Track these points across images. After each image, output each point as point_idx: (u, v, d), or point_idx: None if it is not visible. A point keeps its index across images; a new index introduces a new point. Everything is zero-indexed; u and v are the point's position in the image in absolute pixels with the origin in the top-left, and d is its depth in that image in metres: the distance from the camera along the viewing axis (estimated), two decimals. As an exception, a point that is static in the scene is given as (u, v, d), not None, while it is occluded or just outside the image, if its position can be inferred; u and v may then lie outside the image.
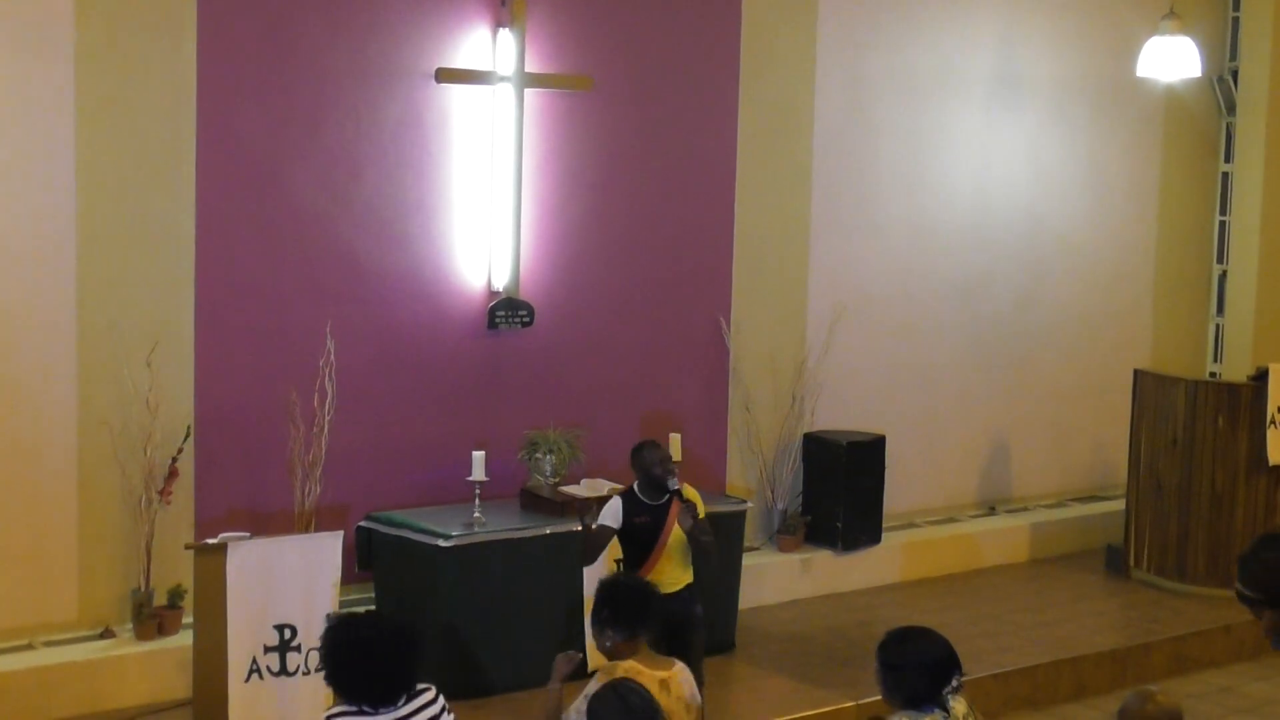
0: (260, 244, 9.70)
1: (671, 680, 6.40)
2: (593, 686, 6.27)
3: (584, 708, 6.05)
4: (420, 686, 5.78)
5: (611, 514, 8.58)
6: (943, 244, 12.69)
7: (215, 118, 9.47)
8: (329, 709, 5.74)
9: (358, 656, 5.67)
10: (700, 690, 6.83)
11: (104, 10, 9.10)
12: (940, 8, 12.48)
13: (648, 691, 5.72)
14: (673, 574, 8.50)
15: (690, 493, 8.60)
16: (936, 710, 5.60)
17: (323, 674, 5.78)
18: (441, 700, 5.84)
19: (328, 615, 6.26)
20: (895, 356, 12.49)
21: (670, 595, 8.23)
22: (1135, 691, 5.41)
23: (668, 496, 8.50)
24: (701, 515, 8.52)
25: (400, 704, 5.70)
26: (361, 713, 5.65)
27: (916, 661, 5.60)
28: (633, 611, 6.53)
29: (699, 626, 8.55)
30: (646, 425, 10.92)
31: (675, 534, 8.49)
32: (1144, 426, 12.28)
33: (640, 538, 8.50)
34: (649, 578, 8.27)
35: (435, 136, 10.21)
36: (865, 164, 12.22)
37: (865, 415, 12.15)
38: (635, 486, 8.61)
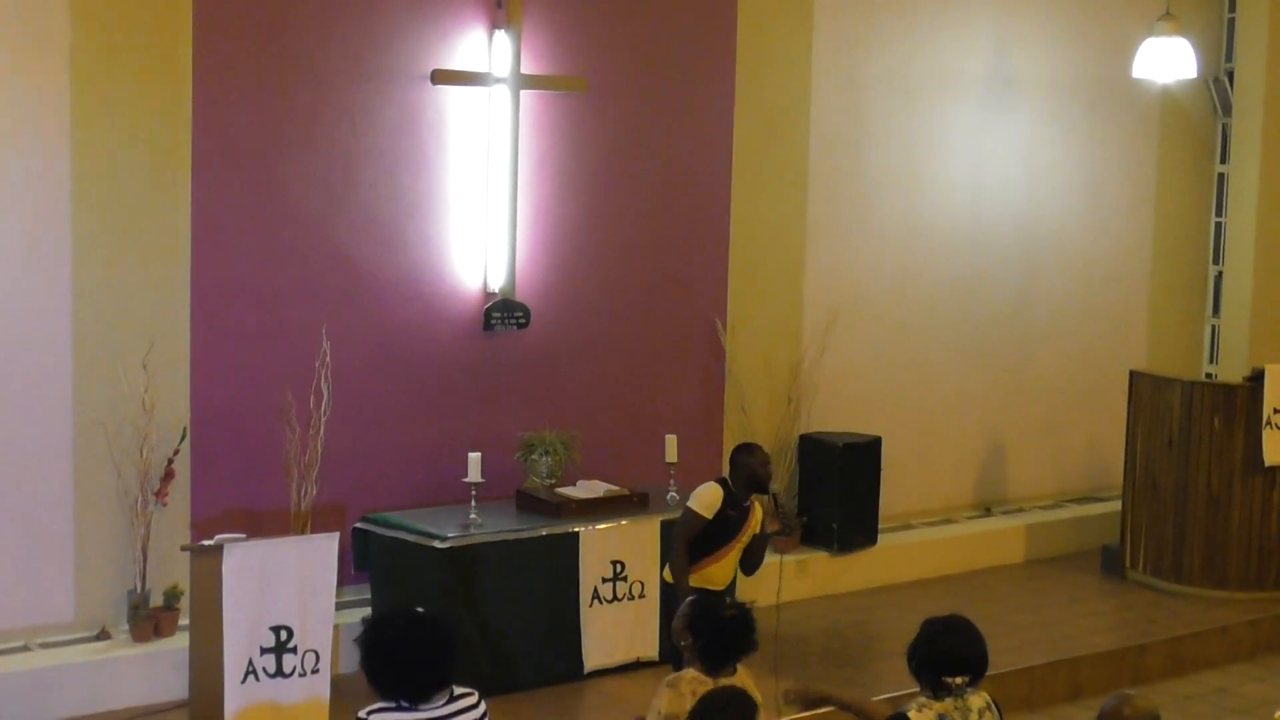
0: (256, 246, 9.70)
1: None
2: (662, 693, 6.48)
3: (667, 709, 6.38)
4: (463, 690, 5.79)
5: (708, 503, 8.63)
6: (938, 245, 12.70)
7: (211, 120, 9.47)
8: (369, 706, 5.75)
9: (395, 652, 5.68)
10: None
11: (99, 13, 9.10)
12: (936, 9, 12.49)
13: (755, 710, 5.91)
14: (729, 572, 8.75)
15: (759, 509, 8.85)
16: (948, 698, 5.95)
17: (362, 673, 5.78)
18: (484, 706, 5.85)
19: (363, 618, 6.30)
20: (891, 358, 12.50)
21: (719, 593, 8.46)
22: (1114, 695, 5.55)
23: (749, 500, 8.71)
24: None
25: (442, 703, 5.70)
26: (400, 708, 5.66)
27: (934, 641, 6.05)
28: (726, 650, 6.65)
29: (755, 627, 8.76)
30: (642, 426, 10.94)
31: (745, 537, 8.72)
32: (1140, 427, 12.29)
33: (723, 531, 8.65)
34: (708, 570, 8.60)
35: (431, 138, 10.21)
36: (861, 165, 12.23)
37: (861, 416, 12.16)
38: (730, 480, 8.74)
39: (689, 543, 8.63)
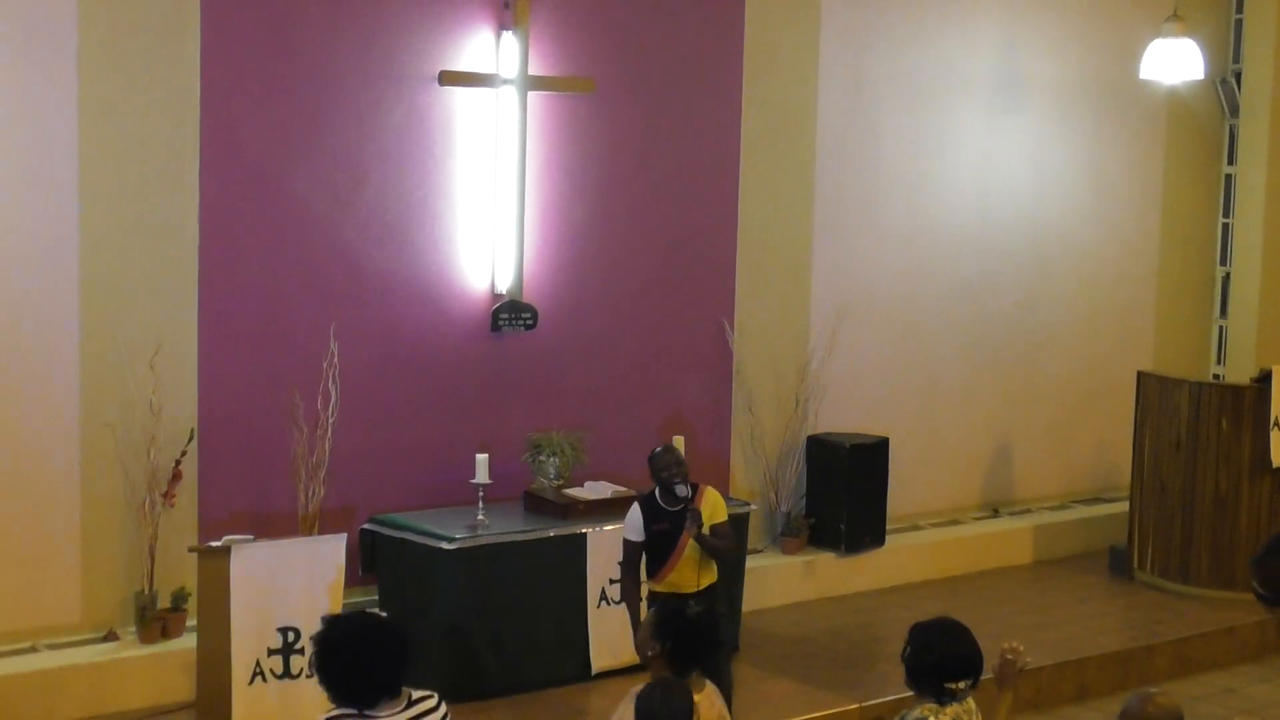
0: (264, 246, 9.70)
1: (703, 702, 6.47)
2: (628, 704, 6.46)
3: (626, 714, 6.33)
4: (422, 693, 5.75)
5: (633, 528, 8.58)
6: (945, 246, 12.69)
7: (218, 120, 9.48)
8: (327, 712, 5.72)
9: (345, 655, 5.64)
10: (729, 694, 6.96)
11: (107, 13, 9.11)
12: (943, 10, 12.49)
13: (690, 697, 5.99)
14: (692, 577, 8.49)
15: (712, 496, 8.64)
16: (953, 704, 5.86)
17: (315, 677, 5.74)
18: (444, 708, 5.80)
19: (322, 618, 6.24)
20: (898, 359, 12.50)
21: (691, 596, 8.30)
22: (1136, 693, 5.49)
23: (684, 500, 8.50)
24: (722, 519, 8.58)
25: (401, 708, 5.66)
26: (360, 715, 5.63)
27: (933, 648, 5.89)
28: (693, 653, 6.63)
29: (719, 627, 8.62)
30: (650, 428, 10.92)
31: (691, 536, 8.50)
32: (1147, 428, 12.28)
33: (659, 544, 8.52)
34: (670, 578, 8.46)
35: (439, 139, 10.22)
36: (868, 166, 12.22)
37: (868, 417, 12.16)
38: (655, 492, 8.60)
39: (636, 565, 8.63)
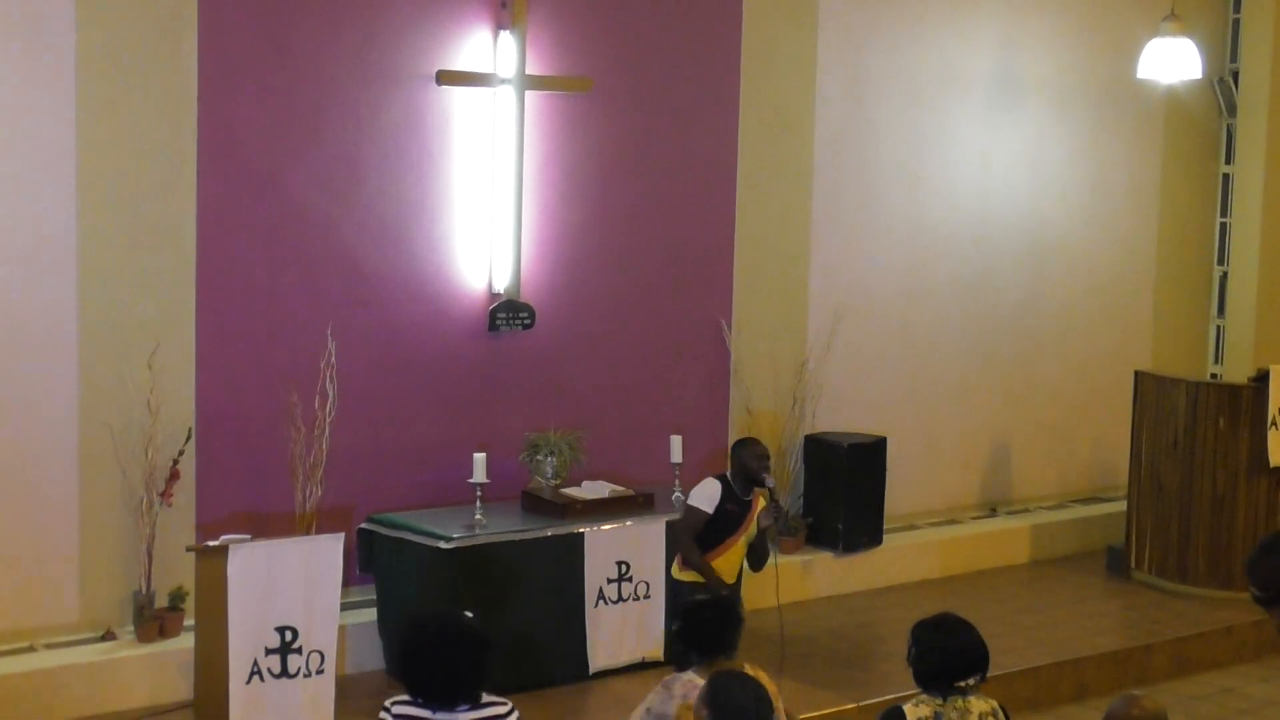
0: (261, 246, 9.70)
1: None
2: (656, 694, 6.46)
3: (657, 708, 6.40)
4: (494, 699, 5.78)
5: (708, 498, 8.88)
6: (943, 245, 12.69)
7: (216, 120, 9.47)
8: (394, 698, 5.77)
9: (420, 651, 5.70)
10: None
11: (105, 12, 9.10)
12: (941, 9, 12.49)
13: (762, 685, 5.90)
14: (737, 568, 8.94)
15: (760, 500, 8.98)
16: (955, 697, 5.85)
17: (395, 667, 5.81)
18: (517, 716, 5.81)
19: (407, 612, 6.27)
20: (896, 358, 12.50)
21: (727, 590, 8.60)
22: (1121, 696, 5.49)
23: (752, 494, 8.89)
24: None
25: (464, 709, 5.69)
26: (420, 704, 5.67)
27: (940, 647, 5.89)
28: (704, 637, 6.64)
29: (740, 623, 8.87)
30: (648, 427, 10.94)
31: (750, 530, 8.91)
32: (1145, 428, 12.28)
33: (724, 525, 8.85)
34: (715, 563, 8.79)
35: (436, 138, 10.21)
36: (866, 165, 12.22)
37: (866, 417, 12.15)
38: (729, 475, 8.95)
39: (696, 533, 8.89)
